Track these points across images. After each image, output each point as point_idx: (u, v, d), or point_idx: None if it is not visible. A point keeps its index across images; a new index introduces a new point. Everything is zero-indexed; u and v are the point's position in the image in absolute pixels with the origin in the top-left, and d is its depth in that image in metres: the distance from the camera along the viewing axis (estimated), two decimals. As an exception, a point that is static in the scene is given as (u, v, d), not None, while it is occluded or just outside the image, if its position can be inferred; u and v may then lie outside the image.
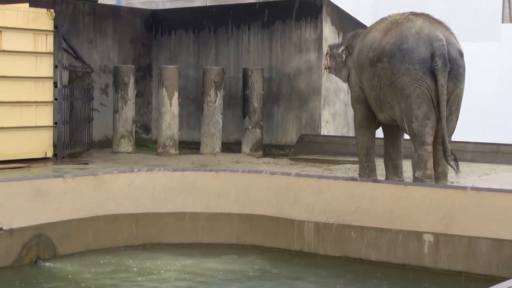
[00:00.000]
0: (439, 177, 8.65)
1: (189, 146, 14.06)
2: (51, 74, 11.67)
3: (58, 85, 11.75)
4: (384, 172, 9.48)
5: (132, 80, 13.22)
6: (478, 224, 6.78)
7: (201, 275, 7.01)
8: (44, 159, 11.67)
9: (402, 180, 9.06)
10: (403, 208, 7.20)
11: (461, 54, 8.54)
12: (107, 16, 14.56)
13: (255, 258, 7.47)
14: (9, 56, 11.21)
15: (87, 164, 11.51)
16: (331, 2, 13.49)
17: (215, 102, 13.18)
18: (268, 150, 13.63)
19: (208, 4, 16.12)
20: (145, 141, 14.75)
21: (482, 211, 6.86)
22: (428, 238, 6.92)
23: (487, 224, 6.74)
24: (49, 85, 11.67)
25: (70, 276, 6.92)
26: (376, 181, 7.99)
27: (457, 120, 8.69)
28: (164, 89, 13.01)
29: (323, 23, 13.31)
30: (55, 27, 11.65)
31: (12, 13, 11.19)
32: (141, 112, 14.94)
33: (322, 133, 13.40)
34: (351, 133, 13.44)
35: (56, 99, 11.75)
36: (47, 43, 11.57)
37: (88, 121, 12.87)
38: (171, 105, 13.05)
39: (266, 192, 8.00)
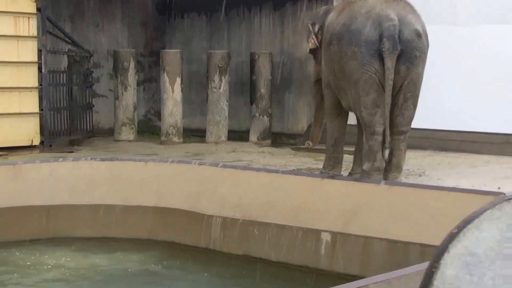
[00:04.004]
0: (391, 169, 7.77)
1: (202, 134, 13.46)
2: (35, 59, 11.27)
3: (43, 70, 11.36)
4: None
5: (132, 65, 12.73)
6: (378, 223, 5.94)
7: (84, 271, 6.46)
8: (30, 147, 11.33)
9: None
10: (311, 203, 6.42)
11: (419, 35, 7.59)
12: (115, -3, 14.11)
13: (153, 255, 6.84)
14: (-13, 40, 10.91)
15: (72, 152, 11.13)
16: (343, -21, 12.60)
17: (219, 88, 12.58)
18: (279, 139, 12.92)
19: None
20: (158, 129, 14.22)
21: (387, 208, 6.01)
22: (326, 237, 6.12)
23: (386, 223, 5.89)
24: (33, 70, 11.28)
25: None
26: (296, 173, 7.24)
27: (414, 108, 7.79)
28: (165, 75, 12.49)
29: (334, 2, 12.44)
30: (38, 9, 11.25)
31: (-12, -5, 10.87)
32: (155, 99, 14.45)
33: (334, 121, 12.55)
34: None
35: (41, 84, 11.39)
36: (29, 27, 11.18)
37: (87, 108, 12.46)
38: (173, 91, 12.51)
39: (189, 183, 7.34)
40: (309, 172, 8.10)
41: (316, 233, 6.19)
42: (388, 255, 5.76)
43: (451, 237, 2.38)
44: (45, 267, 6.56)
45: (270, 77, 12.55)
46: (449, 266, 2.36)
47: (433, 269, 2.36)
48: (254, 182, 6.99)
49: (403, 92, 7.61)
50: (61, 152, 11.08)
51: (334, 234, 6.09)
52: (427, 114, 10.89)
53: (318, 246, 6.15)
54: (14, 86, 11.10)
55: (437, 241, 5.36)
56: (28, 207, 7.41)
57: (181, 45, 14.18)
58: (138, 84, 13.83)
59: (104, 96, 13.44)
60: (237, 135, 12.94)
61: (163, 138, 12.53)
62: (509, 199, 2.46)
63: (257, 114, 12.53)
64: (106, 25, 13.88)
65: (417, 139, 10.93)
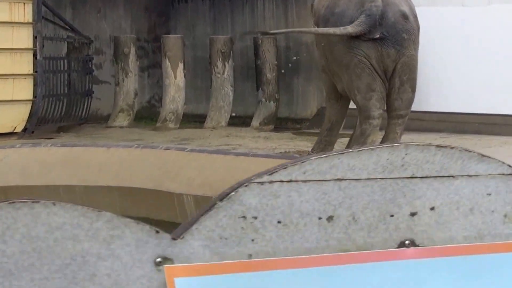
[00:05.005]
0: None
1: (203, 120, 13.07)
2: (31, 46, 10.98)
3: (38, 57, 11.07)
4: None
5: (133, 50, 12.46)
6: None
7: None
8: (11, 134, 10.94)
9: None
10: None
11: (404, 16, 7.48)
12: (117, -18, 13.76)
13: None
14: (-20, 27, 10.64)
15: (52, 138, 10.79)
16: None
17: (223, 74, 12.30)
18: (284, 123, 12.55)
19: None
20: (162, 115, 13.93)
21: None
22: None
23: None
24: (28, 57, 10.98)
25: None
26: (266, 155, 6.90)
27: (413, 91, 7.69)
28: (167, 60, 12.23)
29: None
30: (33, -5, 10.96)
31: (-20, -20, 10.59)
32: (160, 85, 14.13)
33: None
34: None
35: (36, 71, 11.10)
36: (25, 13, 10.88)
37: (86, 94, 12.17)
38: (175, 77, 12.26)
39: (154, 168, 7.07)
40: (287, 155, 7.84)
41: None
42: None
43: None
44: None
45: (276, 62, 12.24)
46: None
47: None
48: (224, 164, 6.70)
49: (399, 76, 7.53)
50: (39, 139, 10.72)
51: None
52: (442, 97, 10.66)
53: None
54: (8, 73, 10.82)
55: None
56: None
57: (185, 30, 13.89)
58: (143, 70, 13.58)
59: (107, 83, 13.18)
60: (241, 120, 12.62)
61: (159, 124, 12.24)
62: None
63: (263, 99, 12.22)
64: (108, 11, 13.58)
65: (432, 122, 10.65)
